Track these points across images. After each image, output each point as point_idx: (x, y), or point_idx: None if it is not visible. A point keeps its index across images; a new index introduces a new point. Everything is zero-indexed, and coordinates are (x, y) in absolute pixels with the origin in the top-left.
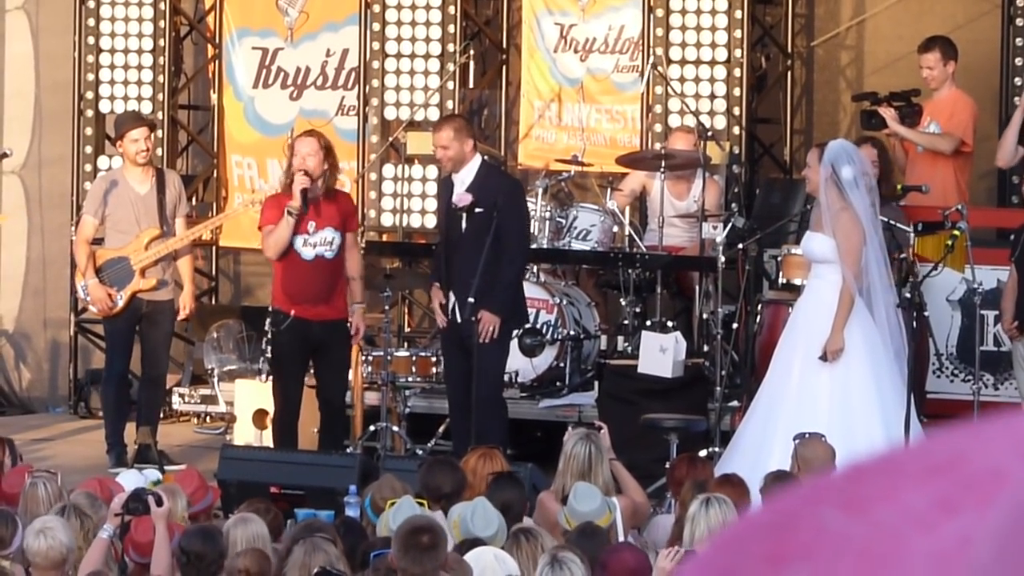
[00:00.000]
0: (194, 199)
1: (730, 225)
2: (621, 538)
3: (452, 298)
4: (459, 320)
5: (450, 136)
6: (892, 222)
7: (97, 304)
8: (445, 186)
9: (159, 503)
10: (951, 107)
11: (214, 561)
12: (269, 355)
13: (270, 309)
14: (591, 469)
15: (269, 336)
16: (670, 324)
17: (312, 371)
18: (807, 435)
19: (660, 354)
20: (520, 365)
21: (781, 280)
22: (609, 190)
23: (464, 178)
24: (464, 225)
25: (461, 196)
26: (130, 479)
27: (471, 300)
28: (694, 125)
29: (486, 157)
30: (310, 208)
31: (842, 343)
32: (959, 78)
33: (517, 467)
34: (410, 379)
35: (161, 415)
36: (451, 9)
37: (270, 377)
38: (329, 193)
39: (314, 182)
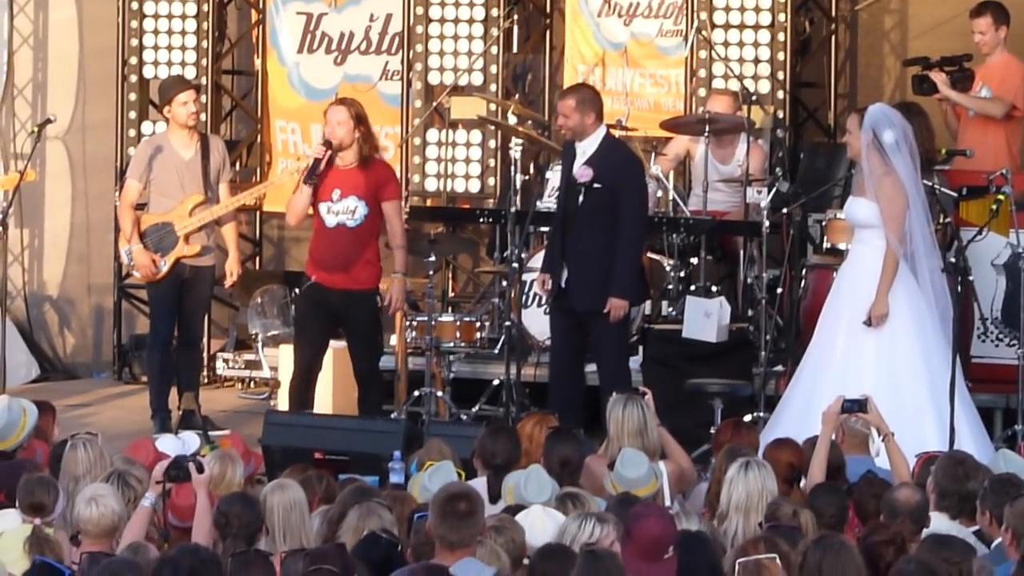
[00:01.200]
0: (238, 164)
1: (774, 189)
2: (668, 503)
3: (566, 271)
4: (572, 296)
5: (572, 106)
6: (936, 187)
7: (141, 270)
8: (567, 153)
9: (200, 470)
10: (1002, 71)
11: (252, 523)
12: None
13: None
14: (645, 429)
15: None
16: (714, 289)
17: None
18: (855, 405)
19: (705, 319)
20: None
21: (826, 244)
22: (653, 155)
23: (586, 150)
24: (581, 199)
25: (581, 171)
26: (168, 444)
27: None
28: (738, 89)
29: (608, 128)
30: (335, 176)
31: (887, 308)
32: (1011, 42)
33: None
34: (454, 344)
35: (204, 380)
36: None
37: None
38: (364, 162)
39: (337, 151)
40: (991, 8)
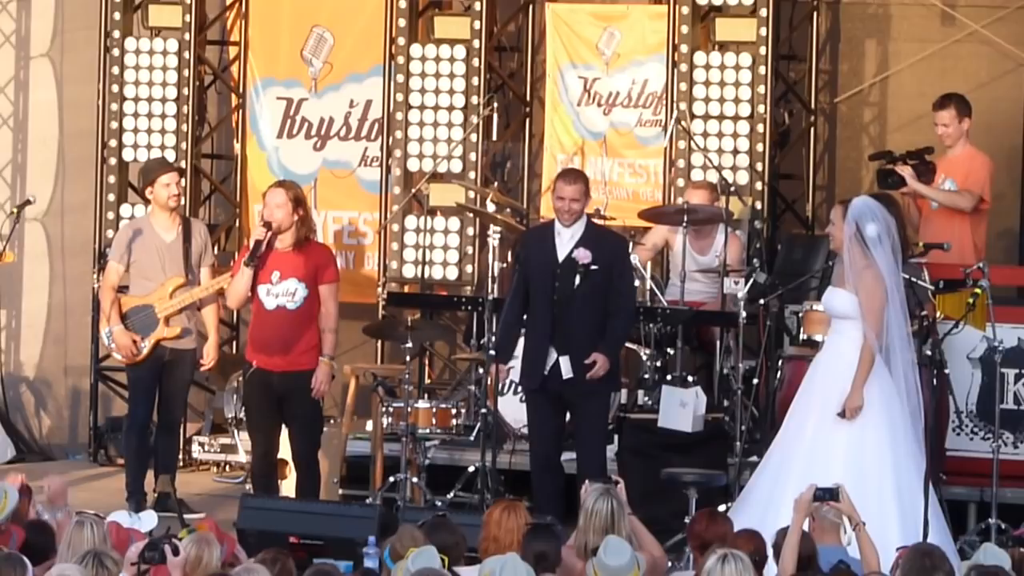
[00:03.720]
0: (215, 248)
1: (752, 280)
2: None
3: (554, 354)
4: (565, 376)
5: (582, 190)
6: (913, 279)
7: (121, 351)
8: (536, 240)
9: (175, 552)
10: (967, 164)
11: None
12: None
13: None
14: (613, 525)
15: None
16: (691, 379)
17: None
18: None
19: (680, 408)
20: None
21: (802, 336)
22: (631, 244)
23: (574, 233)
24: (579, 281)
25: (581, 253)
26: (120, 518)
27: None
28: (716, 180)
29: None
30: (274, 258)
31: (862, 400)
32: (982, 135)
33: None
34: (430, 431)
35: (180, 463)
36: (475, 62)
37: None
38: (300, 244)
39: (276, 234)
40: (954, 101)
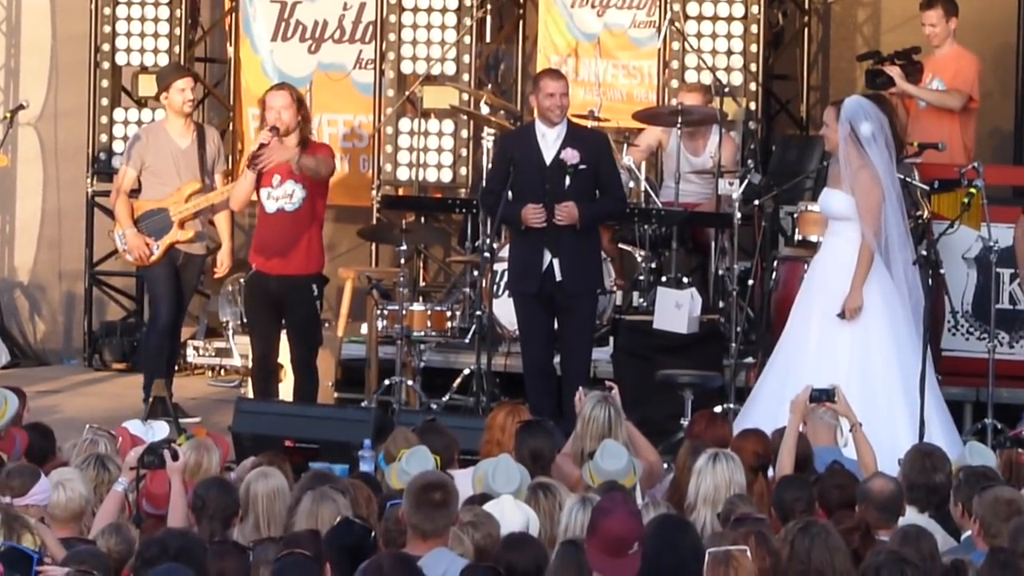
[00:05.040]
0: None
1: (746, 181)
2: (639, 499)
3: (547, 256)
4: (558, 279)
5: (567, 86)
6: (908, 179)
7: (134, 251)
8: (517, 139)
9: (175, 457)
10: (955, 63)
11: (228, 507)
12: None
13: None
14: (611, 431)
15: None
16: (686, 280)
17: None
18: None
19: (675, 310)
20: None
21: (797, 236)
22: (625, 145)
23: (559, 133)
24: (568, 181)
25: (569, 153)
26: (136, 428)
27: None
28: (710, 81)
29: (581, 117)
30: (275, 162)
31: (861, 301)
32: (973, 33)
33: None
34: (425, 333)
35: (176, 368)
36: None
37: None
38: (303, 145)
39: (282, 137)
40: (941, 1)
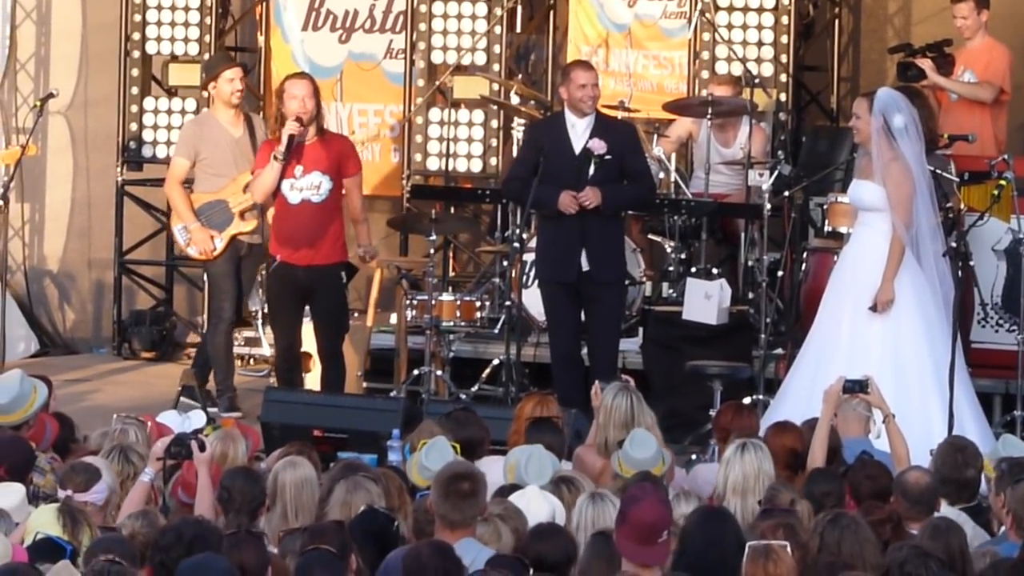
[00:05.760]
0: None
1: (776, 172)
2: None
3: (576, 246)
4: (584, 268)
5: (597, 76)
6: (939, 171)
7: (199, 245)
8: (546, 129)
9: (202, 448)
10: (987, 56)
11: (255, 498)
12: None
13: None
14: (633, 419)
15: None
16: (715, 271)
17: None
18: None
19: (705, 301)
20: None
21: (827, 228)
22: (656, 136)
23: (588, 123)
24: (593, 171)
25: (596, 143)
26: (171, 420)
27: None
28: (741, 72)
29: (611, 108)
30: (298, 152)
31: (893, 294)
32: (1003, 26)
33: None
34: (454, 324)
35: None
36: None
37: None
38: (322, 136)
39: (305, 127)
40: None
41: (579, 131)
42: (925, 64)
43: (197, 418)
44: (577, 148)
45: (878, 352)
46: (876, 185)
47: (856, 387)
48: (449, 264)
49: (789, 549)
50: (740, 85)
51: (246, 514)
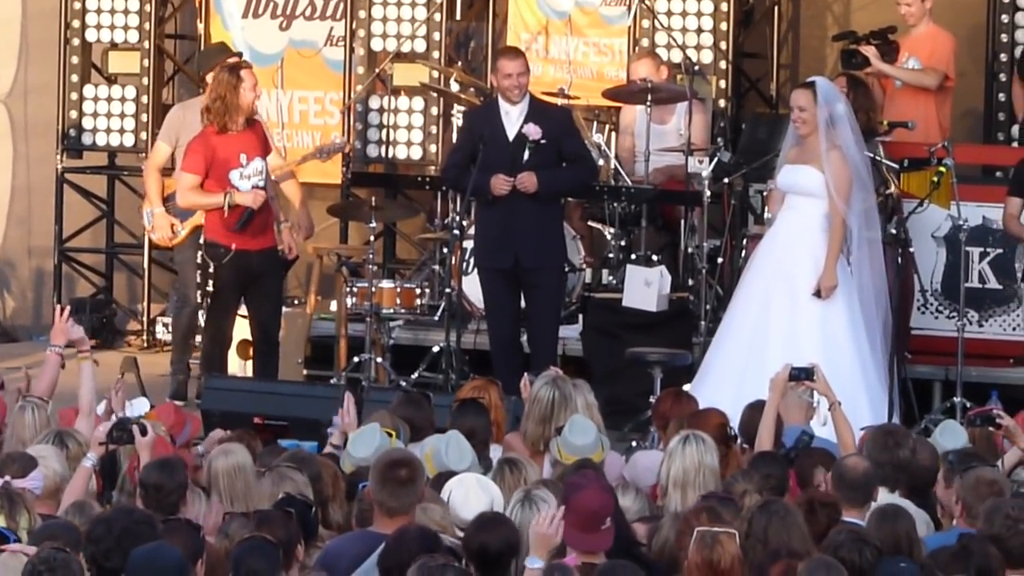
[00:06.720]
0: None
1: (716, 159)
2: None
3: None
4: (521, 254)
5: (525, 64)
6: (878, 158)
7: (159, 231)
8: (482, 116)
9: (143, 432)
10: (931, 43)
11: (174, 491)
12: (210, 288)
13: (204, 243)
14: (553, 415)
15: (212, 270)
16: (655, 258)
17: (245, 301)
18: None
19: (645, 288)
20: None
21: (766, 215)
22: (595, 123)
23: (522, 109)
24: (527, 156)
25: (531, 128)
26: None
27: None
28: (680, 59)
29: (551, 95)
30: (234, 140)
31: (836, 279)
32: (945, 12)
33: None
34: (394, 311)
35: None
36: None
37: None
38: (250, 122)
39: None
40: None
41: (513, 118)
42: (869, 51)
43: (139, 404)
44: (511, 134)
45: (810, 338)
46: (815, 171)
47: (802, 375)
48: (389, 252)
49: (737, 538)
50: (659, 59)
51: (163, 510)
